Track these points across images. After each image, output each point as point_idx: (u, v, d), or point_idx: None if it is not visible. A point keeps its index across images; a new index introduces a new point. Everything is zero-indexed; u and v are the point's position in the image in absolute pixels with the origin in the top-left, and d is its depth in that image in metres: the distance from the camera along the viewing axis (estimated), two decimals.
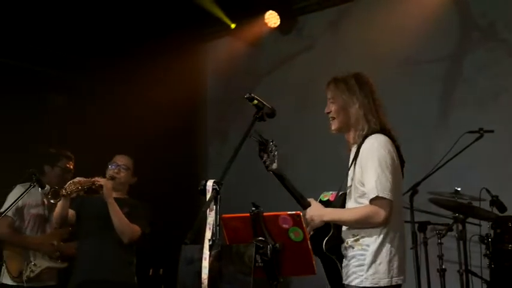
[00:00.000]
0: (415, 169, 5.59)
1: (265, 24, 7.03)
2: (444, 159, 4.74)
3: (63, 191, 4.39)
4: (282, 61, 7.32)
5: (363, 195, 3.23)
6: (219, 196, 2.73)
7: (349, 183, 3.36)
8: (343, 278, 3.27)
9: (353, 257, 3.23)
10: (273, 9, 6.94)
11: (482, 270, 4.87)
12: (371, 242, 3.20)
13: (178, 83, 7.09)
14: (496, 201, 4.75)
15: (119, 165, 4.82)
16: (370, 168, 3.20)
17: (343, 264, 3.29)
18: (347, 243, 3.26)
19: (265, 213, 2.84)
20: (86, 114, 6.63)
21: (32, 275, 5.06)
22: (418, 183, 4.59)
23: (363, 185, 3.23)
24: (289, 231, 2.80)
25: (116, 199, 4.65)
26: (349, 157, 3.45)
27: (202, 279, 2.62)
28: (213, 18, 7.12)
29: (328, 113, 3.47)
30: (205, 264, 2.63)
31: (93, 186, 4.56)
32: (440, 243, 5.01)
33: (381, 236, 3.20)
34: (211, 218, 2.72)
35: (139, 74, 6.95)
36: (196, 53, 7.74)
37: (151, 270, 6.32)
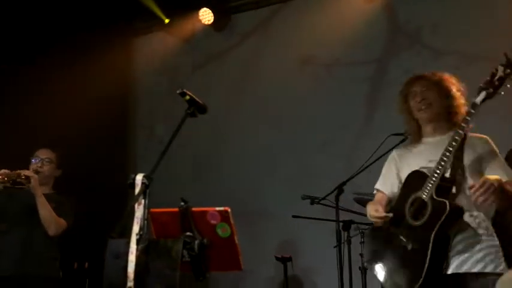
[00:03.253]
0: (341, 169, 5.76)
1: (199, 20, 7.04)
2: (369, 161, 4.86)
3: None
4: (214, 58, 7.33)
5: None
6: (147, 190, 2.73)
7: (431, 165, 3.32)
8: (462, 267, 3.21)
9: (479, 241, 3.21)
10: (207, 7, 6.96)
11: None
12: (490, 227, 3.28)
13: (109, 76, 6.99)
14: None
15: (42, 159, 4.78)
16: (499, 159, 3.33)
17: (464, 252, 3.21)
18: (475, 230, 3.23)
19: (193, 209, 2.85)
20: (15, 108, 6.45)
21: None
22: (343, 183, 4.69)
23: (478, 171, 3.28)
24: (217, 227, 2.83)
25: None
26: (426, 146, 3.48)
27: (129, 273, 2.61)
28: (147, 11, 7.06)
29: (423, 99, 3.45)
30: (132, 258, 2.62)
31: (19, 179, 4.48)
32: (363, 242, 5.13)
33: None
34: (139, 212, 2.71)
35: (69, 68, 6.81)
36: (127, 47, 7.66)
37: (75, 264, 6.23)
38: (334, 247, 4.65)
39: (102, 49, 6.94)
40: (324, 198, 4.88)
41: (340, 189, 4.68)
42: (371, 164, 4.77)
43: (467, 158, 3.33)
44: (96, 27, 6.96)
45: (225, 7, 7.12)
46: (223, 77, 7.21)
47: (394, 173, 3.63)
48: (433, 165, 3.29)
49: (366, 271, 5.07)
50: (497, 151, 3.39)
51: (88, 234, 5.83)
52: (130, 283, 2.60)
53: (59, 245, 4.71)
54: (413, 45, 6.20)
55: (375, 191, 3.76)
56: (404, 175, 3.51)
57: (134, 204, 2.68)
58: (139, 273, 2.63)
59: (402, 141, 4.91)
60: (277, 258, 5.75)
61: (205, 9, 6.97)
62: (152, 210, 2.86)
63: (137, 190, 2.72)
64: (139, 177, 2.73)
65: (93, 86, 6.82)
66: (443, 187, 3.24)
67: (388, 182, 3.67)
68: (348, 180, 4.70)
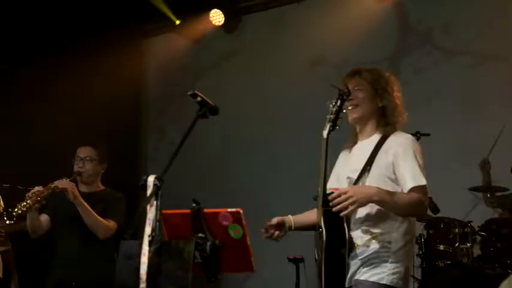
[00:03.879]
0: None
1: (210, 22, 7.04)
2: None
3: (17, 210, 4.31)
4: (224, 59, 7.34)
5: (390, 186, 3.21)
6: (159, 192, 2.73)
7: (353, 175, 3.28)
8: (351, 275, 3.22)
9: (374, 254, 3.19)
10: (218, 8, 6.96)
11: (414, 269, 4.99)
12: (393, 239, 3.21)
13: (120, 78, 7.01)
14: (429, 203, 4.88)
15: (82, 158, 4.69)
16: (412, 160, 3.22)
17: (352, 262, 3.22)
18: (362, 240, 3.21)
19: (205, 210, 2.84)
20: (26, 112, 6.47)
21: None
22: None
23: (392, 177, 3.23)
24: (229, 228, 2.82)
25: (89, 194, 4.57)
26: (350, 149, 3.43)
27: (141, 275, 2.61)
28: (158, 13, 7.07)
29: (351, 99, 3.33)
30: (144, 260, 2.62)
31: (56, 190, 4.44)
32: None
33: (406, 236, 3.23)
34: (151, 213, 2.71)
35: (79, 69, 6.83)
36: (138, 48, 7.68)
37: None
38: None
39: (112, 51, 6.96)
40: None
41: None
42: None
43: (377, 163, 3.26)
44: (107, 28, 6.98)
45: (236, 8, 7.12)
46: (234, 78, 7.21)
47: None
48: (355, 176, 3.26)
49: None
50: (413, 152, 3.25)
51: None
52: (142, 285, 2.60)
53: (114, 247, 4.57)
54: (425, 45, 6.18)
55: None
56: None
57: (146, 205, 2.68)
58: (152, 274, 2.63)
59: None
60: (289, 259, 5.73)
61: (215, 10, 6.98)
62: (164, 211, 2.85)
63: (149, 192, 2.72)
64: (151, 179, 2.73)
65: (104, 87, 6.84)
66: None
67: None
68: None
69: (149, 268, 2.62)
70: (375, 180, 3.23)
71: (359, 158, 3.32)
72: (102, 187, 4.81)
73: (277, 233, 3.43)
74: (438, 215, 4.98)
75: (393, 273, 3.19)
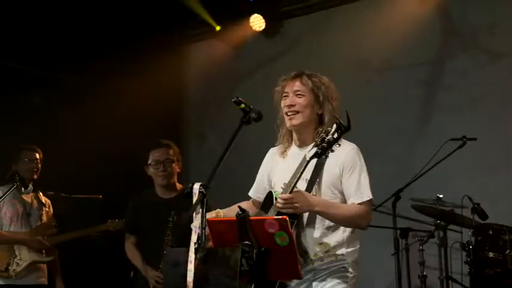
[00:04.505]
0: (396, 175, 5.65)
1: (250, 27, 7.01)
2: (427, 166, 4.76)
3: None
4: (264, 64, 7.30)
5: (337, 197, 3.18)
6: (205, 199, 2.72)
7: (302, 186, 3.17)
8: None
9: (329, 266, 3.16)
10: (259, 13, 6.92)
11: (462, 277, 4.91)
12: (345, 251, 3.18)
13: (161, 85, 7.05)
14: (477, 209, 4.77)
15: (162, 162, 4.63)
16: (358, 173, 3.18)
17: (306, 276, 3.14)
18: (315, 254, 3.16)
19: (251, 217, 2.82)
20: (66, 116, 6.54)
21: (18, 269, 5.08)
22: (401, 189, 4.61)
23: (336, 189, 3.18)
24: (276, 236, 2.79)
25: (171, 199, 4.56)
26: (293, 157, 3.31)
27: (188, 282, 2.61)
28: (198, 19, 7.08)
29: (291, 106, 3.29)
30: (191, 267, 2.61)
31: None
32: (422, 250, 5.03)
33: (355, 246, 3.21)
34: (197, 221, 2.70)
35: (120, 75, 6.89)
36: (179, 55, 7.70)
37: (131, 273, 6.28)
38: (392, 255, 4.56)
39: (153, 58, 7.00)
40: (380, 205, 4.79)
41: (397, 195, 4.59)
42: (430, 169, 4.68)
43: (328, 173, 3.18)
44: (148, 36, 7.03)
45: (277, 13, 7.07)
46: (274, 83, 7.16)
47: (266, 178, 3.46)
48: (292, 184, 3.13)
49: (425, 279, 4.97)
50: (358, 164, 3.20)
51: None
52: None
53: None
54: (469, 48, 6.05)
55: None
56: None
57: (192, 213, 2.67)
58: (198, 282, 2.62)
59: (461, 146, 4.84)
60: None
61: (256, 15, 6.93)
62: (209, 219, 2.84)
63: (194, 199, 2.71)
64: (196, 186, 2.72)
65: (145, 95, 6.88)
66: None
67: (260, 188, 3.49)
68: (406, 186, 4.62)
69: (196, 275, 2.61)
70: (323, 191, 3.19)
71: (294, 165, 3.16)
72: (179, 187, 4.71)
73: None
74: (486, 221, 4.86)
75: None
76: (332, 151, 2.98)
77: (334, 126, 2.98)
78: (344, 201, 3.20)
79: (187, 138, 7.87)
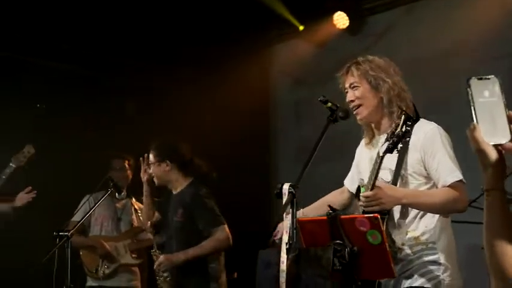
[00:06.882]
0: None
1: (334, 25, 6.97)
2: None
3: None
4: (348, 62, 7.23)
5: (425, 183, 3.10)
6: (295, 199, 2.73)
7: (387, 177, 3.12)
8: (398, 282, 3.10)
9: (419, 257, 3.07)
10: (342, 10, 6.87)
11: None
12: (436, 239, 3.08)
13: (245, 85, 7.11)
14: None
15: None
16: (441, 154, 3.05)
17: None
18: (403, 243, 3.08)
19: (342, 216, 2.81)
20: (153, 121, 6.70)
21: (107, 271, 5.29)
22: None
23: (421, 175, 3.10)
24: (367, 234, 2.77)
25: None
26: (371, 149, 3.27)
27: (280, 282, 2.62)
28: (281, 20, 7.10)
29: (352, 101, 3.25)
30: (283, 267, 2.63)
31: None
32: None
33: (447, 232, 3.11)
34: (287, 221, 2.72)
35: (205, 78, 7.01)
36: (263, 56, 7.75)
37: (235, 274, 6.34)
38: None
39: (238, 61, 7.07)
40: (474, 201, 4.63)
41: None
42: None
43: (410, 160, 3.07)
44: (231, 38, 7.10)
45: (360, 9, 7.00)
46: None
47: (356, 170, 3.44)
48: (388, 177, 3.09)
49: None
50: (440, 144, 3.04)
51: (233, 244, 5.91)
52: None
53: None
54: None
55: None
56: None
57: (283, 213, 2.69)
58: (291, 282, 2.63)
59: None
60: None
61: (339, 13, 6.88)
62: (300, 219, 2.85)
63: (284, 199, 2.73)
64: (286, 187, 2.74)
65: (231, 97, 6.96)
66: None
67: (353, 179, 3.47)
68: None
69: (288, 276, 2.63)
70: (408, 179, 3.10)
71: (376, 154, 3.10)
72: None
73: None
74: None
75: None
76: (399, 143, 2.90)
77: (403, 117, 2.91)
78: (434, 186, 3.11)
79: (275, 139, 7.91)
